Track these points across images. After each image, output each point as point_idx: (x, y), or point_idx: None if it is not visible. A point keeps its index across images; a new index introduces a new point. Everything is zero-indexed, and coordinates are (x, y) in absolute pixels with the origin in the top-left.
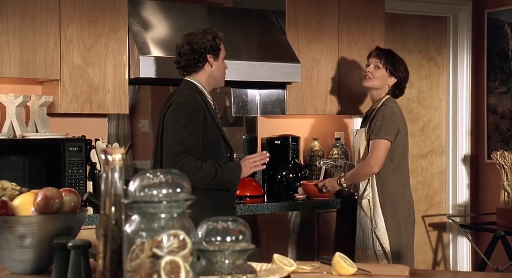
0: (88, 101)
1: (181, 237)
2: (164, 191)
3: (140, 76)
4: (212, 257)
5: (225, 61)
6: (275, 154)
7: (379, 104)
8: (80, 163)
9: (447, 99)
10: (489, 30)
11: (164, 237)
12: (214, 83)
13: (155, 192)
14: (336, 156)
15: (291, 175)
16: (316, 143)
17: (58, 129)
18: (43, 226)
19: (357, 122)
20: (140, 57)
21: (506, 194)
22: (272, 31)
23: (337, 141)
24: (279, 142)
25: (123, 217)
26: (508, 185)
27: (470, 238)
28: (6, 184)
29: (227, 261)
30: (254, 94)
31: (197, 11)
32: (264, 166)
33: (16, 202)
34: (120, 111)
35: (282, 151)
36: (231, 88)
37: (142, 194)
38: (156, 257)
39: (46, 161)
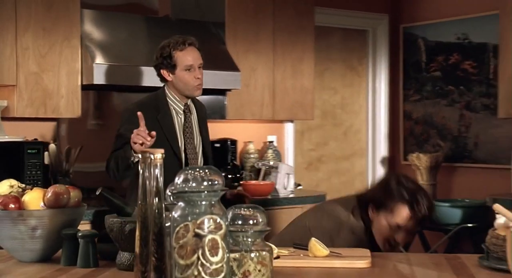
0: (43, 105)
1: (218, 220)
2: (205, 183)
3: (94, 82)
4: (237, 237)
5: None
6: (215, 157)
7: None
8: (39, 165)
9: (367, 105)
10: (404, 43)
11: (205, 220)
12: (183, 94)
13: (194, 184)
14: (271, 157)
15: (230, 176)
16: (251, 145)
17: (11, 132)
18: (53, 219)
19: (289, 127)
20: (94, 64)
21: None
22: (212, 41)
23: (271, 143)
24: (219, 145)
25: (163, 204)
26: (423, 184)
27: None
28: (13, 182)
29: (249, 240)
30: None
31: (138, 22)
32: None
33: (26, 197)
34: (73, 115)
35: (222, 153)
36: None
37: (186, 185)
38: (199, 236)
39: (6, 163)
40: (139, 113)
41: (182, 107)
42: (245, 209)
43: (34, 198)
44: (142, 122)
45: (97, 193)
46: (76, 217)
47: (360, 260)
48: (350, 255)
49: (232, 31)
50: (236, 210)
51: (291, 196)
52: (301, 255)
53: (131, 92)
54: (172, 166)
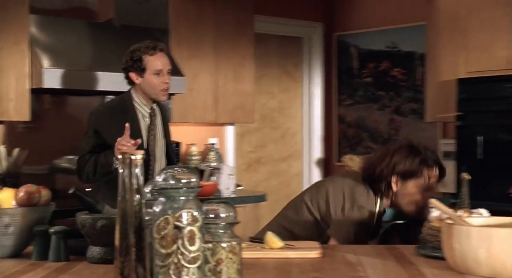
0: None
1: (194, 214)
2: (183, 181)
3: (43, 86)
4: (210, 228)
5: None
6: None
7: None
8: None
9: (303, 109)
10: (338, 50)
11: (183, 214)
12: (150, 97)
13: (173, 182)
14: (213, 159)
15: None
16: (194, 148)
17: None
18: (25, 217)
19: (230, 130)
20: (43, 69)
21: None
22: None
23: (212, 145)
24: None
25: (143, 201)
26: None
27: None
28: None
29: (221, 231)
30: None
31: (83, 27)
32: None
33: None
34: (21, 118)
35: None
36: None
37: (166, 183)
38: (178, 228)
39: None
40: (126, 124)
41: (148, 111)
42: (217, 204)
43: (7, 197)
44: (127, 132)
45: (70, 192)
46: (46, 215)
47: (312, 251)
48: (302, 246)
49: (176, 38)
50: (210, 205)
51: (233, 196)
52: (258, 247)
53: (81, 96)
54: None
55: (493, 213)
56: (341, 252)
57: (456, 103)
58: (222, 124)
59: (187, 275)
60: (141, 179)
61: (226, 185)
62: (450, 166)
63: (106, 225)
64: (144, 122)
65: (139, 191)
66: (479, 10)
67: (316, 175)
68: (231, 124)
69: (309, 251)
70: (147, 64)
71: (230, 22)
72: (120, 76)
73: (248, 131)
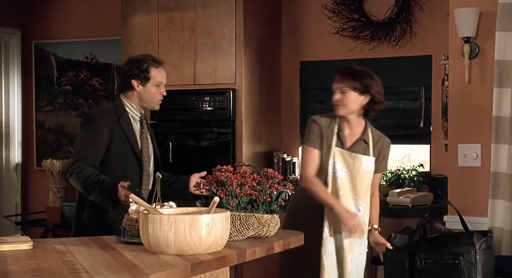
0: None
1: None
2: None
3: None
4: None
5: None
6: None
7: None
8: None
9: (0, 114)
10: (36, 58)
11: None
12: (144, 105)
13: None
14: None
15: None
16: None
17: None
18: None
19: None
20: None
21: (54, 195)
22: None
23: None
24: None
25: None
26: (56, 187)
27: (23, 233)
28: None
29: None
30: None
31: None
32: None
33: None
34: None
35: None
36: None
37: None
38: None
39: None
40: (125, 184)
41: (139, 115)
42: None
43: None
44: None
45: None
46: None
47: (23, 243)
48: (13, 240)
49: None
50: None
51: None
52: None
53: None
54: (133, 164)
55: (180, 205)
56: (50, 243)
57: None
58: None
59: None
60: None
61: None
62: None
63: None
64: (136, 125)
65: None
66: (168, 31)
67: (14, 179)
68: None
69: (21, 244)
70: (152, 75)
71: None
72: None
73: None
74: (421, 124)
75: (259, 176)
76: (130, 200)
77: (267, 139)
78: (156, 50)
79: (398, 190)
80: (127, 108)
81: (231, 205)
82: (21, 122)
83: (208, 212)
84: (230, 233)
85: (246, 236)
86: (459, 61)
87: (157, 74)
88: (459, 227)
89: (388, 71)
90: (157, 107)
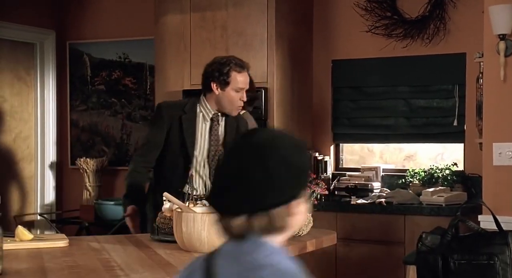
0: None
1: None
2: None
3: None
4: None
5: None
6: None
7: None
8: None
9: (36, 113)
10: (71, 58)
11: None
12: (222, 109)
13: None
14: None
15: None
16: None
17: None
18: None
19: None
20: None
21: (88, 193)
22: None
23: None
24: None
25: None
26: (90, 186)
27: (58, 231)
28: None
29: None
30: None
31: None
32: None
33: None
34: None
35: None
36: None
37: None
38: None
39: None
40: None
41: (211, 115)
42: None
43: None
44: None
45: None
46: None
47: (60, 241)
48: (50, 238)
49: None
50: None
51: None
52: (9, 240)
53: None
54: (181, 163)
55: None
56: (85, 241)
57: None
58: None
59: None
60: None
61: None
62: None
63: None
64: (203, 125)
65: None
66: (200, 30)
67: (49, 178)
68: None
69: (58, 241)
70: (232, 80)
71: None
72: None
73: None
74: (455, 123)
75: None
76: (164, 198)
77: (299, 138)
78: (189, 50)
79: (431, 189)
80: (200, 107)
81: None
82: (56, 121)
83: None
84: None
85: None
86: (494, 58)
87: (238, 79)
88: (494, 227)
89: (421, 70)
90: (235, 114)
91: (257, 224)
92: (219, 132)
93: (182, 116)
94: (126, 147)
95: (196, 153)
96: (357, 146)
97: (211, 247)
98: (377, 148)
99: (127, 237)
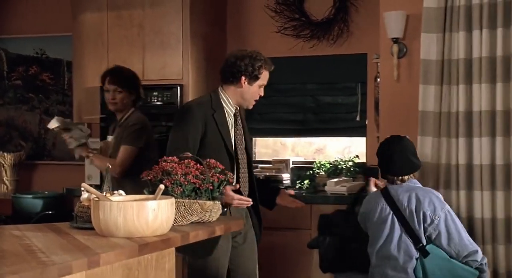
0: None
1: None
2: None
3: None
4: None
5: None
6: None
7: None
8: None
9: None
10: None
11: None
12: (241, 102)
13: None
14: None
15: None
16: None
17: None
18: None
19: None
20: None
21: (5, 187)
22: None
23: None
24: None
25: None
26: (7, 180)
27: None
28: None
29: None
30: None
31: None
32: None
33: None
34: None
35: None
36: None
37: None
38: None
39: None
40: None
41: (234, 111)
42: None
43: None
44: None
45: None
46: None
47: None
48: None
49: None
50: None
51: None
52: None
53: None
54: (225, 159)
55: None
56: (7, 229)
57: (100, 107)
58: None
59: None
60: None
61: None
62: None
63: None
64: (230, 120)
65: None
66: (118, 28)
67: None
68: None
69: None
70: (262, 76)
71: None
72: None
73: None
74: (357, 118)
75: (202, 166)
76: (82, 188)
77: None
78: (106, 47)
79: (335, 179)
80: (223, 103)
81: (176, 192)
82: None
83: (154, 199)
84: (176, 218)
85: (190, 221)
86: (388, 60)
87: (266, 77)
88: None
89: (327, 68)
90: (251, 107)
91: None
92: (241, 126)
93: (214, 114)
94: (44, 141)
95: (237, 148)
96: (271, 140)
97: (126, 232)
98: (290, 142)
99: (47, 226)
